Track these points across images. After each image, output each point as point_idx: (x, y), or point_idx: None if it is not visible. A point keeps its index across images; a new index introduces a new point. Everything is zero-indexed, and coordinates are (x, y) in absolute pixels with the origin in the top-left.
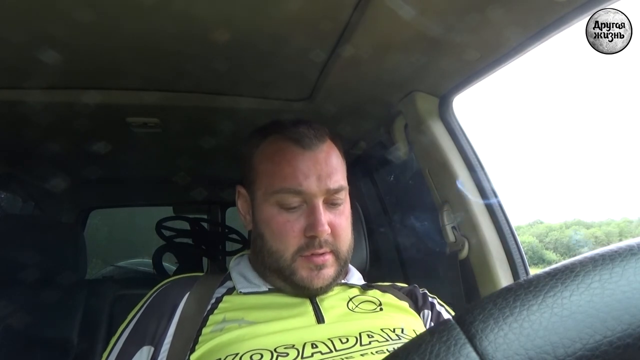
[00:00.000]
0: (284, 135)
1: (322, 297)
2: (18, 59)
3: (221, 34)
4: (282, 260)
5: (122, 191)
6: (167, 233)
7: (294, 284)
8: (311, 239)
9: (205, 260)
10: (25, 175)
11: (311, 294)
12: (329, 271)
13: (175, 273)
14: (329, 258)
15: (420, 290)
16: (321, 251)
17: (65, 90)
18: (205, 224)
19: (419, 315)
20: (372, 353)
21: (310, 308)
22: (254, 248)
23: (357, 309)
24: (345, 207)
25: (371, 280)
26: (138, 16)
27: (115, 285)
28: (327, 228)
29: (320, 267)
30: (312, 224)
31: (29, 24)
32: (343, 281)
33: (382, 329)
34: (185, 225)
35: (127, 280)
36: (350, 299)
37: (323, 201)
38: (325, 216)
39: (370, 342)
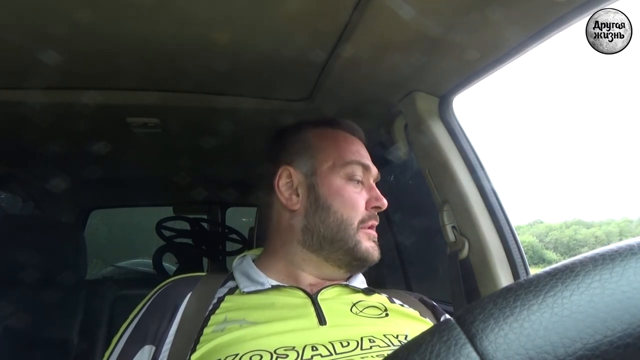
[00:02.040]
0: (338, 125)
1: (323, 298)
2: (18, 59)
3: (221, 34)
4: (350, 229)
5: (122, 191)
6: (167, 233)
7: (356, 254)
8: (374, 210)
9: (205, 260)
10: (25, 175)
11: (363, 267)
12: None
13: (176, 273)
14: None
15: (429, 300)
16: (375, 225)
17: (65, 90)
18: (205, 224)
19: (438, 321)
20: (372, 357)
21: (312, 309)
22: (306, 228)
23: (361, 314)
24: None
25: (371, 280)
26: (138, 16)
27: (116, 285)
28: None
29: (374, 240)
30: (377, 197)
31: (29, 24)
32: (345, 283)
33: (385, 335)
34: (185, 226)
35: (127, 281)
36: (354, 304)
37: None
38: None
39: (371, 347)
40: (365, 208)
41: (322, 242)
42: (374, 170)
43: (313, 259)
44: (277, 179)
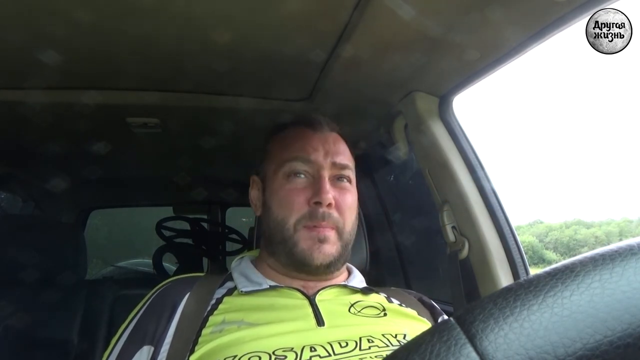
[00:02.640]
0: (297, 123)
1: (321, 299)
2: (18, 59)
3: (221, 34)
4: (286, 230)
5: (122, 191)
6: (167, 233)
7: (295, 257)
8: (315, 206)
9: (205, 260)
10: (25, 175)
11: (310, 272)
12: (330, 248)
13: (176, 273)
14: (332, 234)
15: (427, 300)
16: (324, 223)
17: (65, 90)
18: (205, 224)
19: (436, 322)
20: (370, 357)
21: (310, 310)
22: (263, 233)
23: (359, 314)
24: (352, 189)
25: (371, 280)
26: (138, 16)
27: (115, 285)
28: (330, 197)
29: (322, 240)
30: (317, 191)
31: (29, 24)
32: (343, 283)
33: (383, 334)
34: (185, 226)
35: (127, 281)
36: (352, 304)
37: (330, 176)
38: (331, 189)
39: (369, 347)
40: (308, 204)
41: (271, 246)
42: (324, 162)
43: (275, 262)
44: (250, 188)
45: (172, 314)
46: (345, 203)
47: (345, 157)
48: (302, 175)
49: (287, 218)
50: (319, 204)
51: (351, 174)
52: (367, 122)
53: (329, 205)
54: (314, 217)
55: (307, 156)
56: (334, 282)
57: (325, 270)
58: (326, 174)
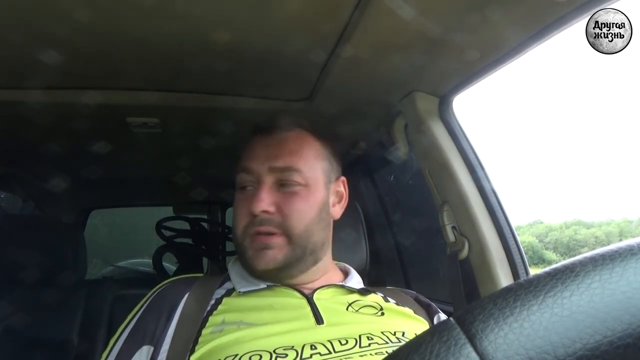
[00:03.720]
0: (256, 130)
1: (319, 297)
2: (18, 59)
3: (221, 34)
4: (237, 239)
5: (122, 191)
6: (167, 233)
7: (246, 264)
8: (253, 216)
9: (205, 260)
10: (25, 175)
11: (264, 278)
12: (276, 253)
13: (176, 273)
14: (277, 240)
15: (424, 299)
16: (264, 229)
17: (65, 90)
18: (205, 224)
19: (431, 321)
20: (371, 354)
21: (309, 309)
22: None
23: (357, 313)
24: (302, 191)
25: (371, 280)
26: (138, 16)
27: (115, 285)
28: (263, 205)
29: (264, 247)
30: (250, 200)
31: (29, 24)
32: (341, 283)
33: (382, 332)
34: (185, 225)
35: (127, 281)
36: (350, 304)
37: (274, 182)
38: (270, 195)
39: (369, 344)
40: (250, 214)
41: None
42: (262, 169)
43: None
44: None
45: (172, 314)
46: (290, 207)
47: (291, 158)
48: (247, 186)
49: (237, 229)
50: (252, 214)
51: (297, 175)
52: (367, 122)
53: (266, 212)
54: (254, 225)
55: (249, 166)
56: (330, 282)
57: (279, 275)
58: (266, 181)
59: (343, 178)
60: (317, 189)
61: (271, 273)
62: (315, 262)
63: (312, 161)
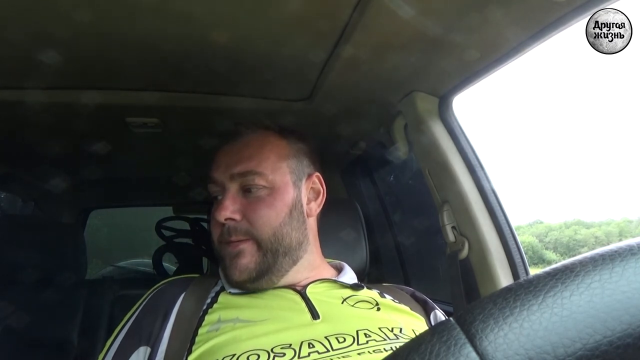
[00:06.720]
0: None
1: (312, 291)
2: (18, 59)
3: (221, 34)
4: (215, 248)
5: (122, 191)
6: (167, 233)
7: (225, 273)
8: (223, 225)
9: (205, 260)
10: (25, 175)
11: (240, 287)
12: (246, 261)
13: (176, 273)
14: (245, 247)
15: (420, 295)
16: (233, 239)
17: (65, 90)
18: (205, 224)
19: (428, 317)
20: (369, 352)
21: (304, 304)
22: None
23: (352, 307)
24: (266, 196)
25: (371, 280)
26: (138, 16)
27: (115, 285)
28: (227, 212)
29: (236, 255)
30: (215, 208)
31: (29, 24)
32: (333, 278)
33: (379, 328)
34: (185, 225)
35: (127, 281)
36: (345, 299)
37: (238, 188)
38: (235, 202)
39: (367, 341)
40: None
41: None
42: (223, 177)
43: None
44: None
45: (168, 315)
46: (255, 212)
47: (250, 162)
48: (216, 196)
49: (213, 238)
50: (219, 221)
51: (259, 179)
52: (367, 122)
53: (232, 219)
54: (224, 234)
55: (213, 175)
56: (321, 277)
57: (256, 284)
58: (230, 189)
59: (317, 174)
60: (284, 190)
61: (247, 283)
62: (294, 262)
63: (276, 162)
